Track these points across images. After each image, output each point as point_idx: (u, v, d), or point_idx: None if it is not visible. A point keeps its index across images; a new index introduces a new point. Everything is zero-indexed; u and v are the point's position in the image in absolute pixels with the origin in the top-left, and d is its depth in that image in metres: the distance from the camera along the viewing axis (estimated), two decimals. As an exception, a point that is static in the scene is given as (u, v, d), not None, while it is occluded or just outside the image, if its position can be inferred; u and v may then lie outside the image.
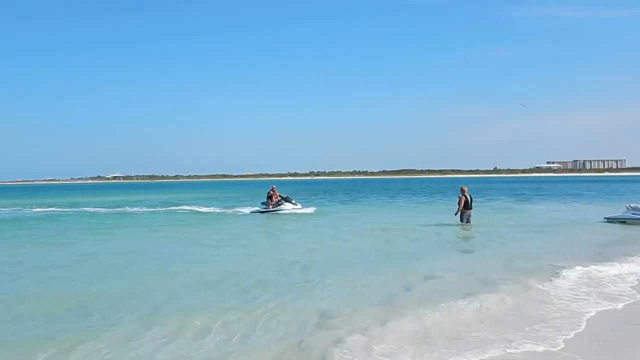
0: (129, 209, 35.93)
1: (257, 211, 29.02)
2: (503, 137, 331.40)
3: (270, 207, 28.27)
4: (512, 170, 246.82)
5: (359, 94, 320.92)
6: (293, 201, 28.64)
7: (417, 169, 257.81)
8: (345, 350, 5.81)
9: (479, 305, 7.65)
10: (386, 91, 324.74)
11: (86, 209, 37.51)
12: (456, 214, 19.49)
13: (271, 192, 28.92)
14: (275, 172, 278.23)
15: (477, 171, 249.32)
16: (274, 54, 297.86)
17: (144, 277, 10.87)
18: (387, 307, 7.73)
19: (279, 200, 28.36)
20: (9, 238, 19.20)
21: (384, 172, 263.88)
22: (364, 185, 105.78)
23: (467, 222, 19.27)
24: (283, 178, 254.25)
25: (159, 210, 34.13)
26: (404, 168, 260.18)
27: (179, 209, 34.44)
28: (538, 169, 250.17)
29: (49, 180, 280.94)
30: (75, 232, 21.16)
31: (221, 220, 26.12)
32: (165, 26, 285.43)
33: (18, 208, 40.56)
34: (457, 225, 19.27)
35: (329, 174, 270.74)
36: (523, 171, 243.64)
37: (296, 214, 27.17)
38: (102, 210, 35.93)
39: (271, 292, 9.00)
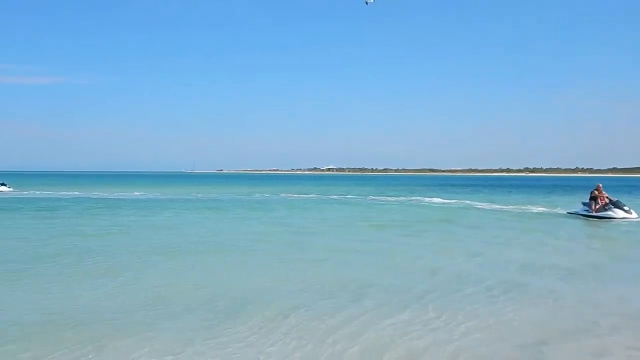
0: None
1: (576, 213, 25.52)
2: None
3: (594, 211, 23.99)
4: None
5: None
6: (625, 207, 23.62)
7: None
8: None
9: None
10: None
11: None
12: None
13: (596, 192, 24.37)
14: (484, 168, 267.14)
15: None
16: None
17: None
18: None
19: (606, 204, 23.87)
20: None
21: (614, 170, 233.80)
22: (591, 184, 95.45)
23: None
24: (494, 174, 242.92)
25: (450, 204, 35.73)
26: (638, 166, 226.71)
27: (479, 205, 34.61)
28: None
29: (274, 170, 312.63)
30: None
31: (547, 221, 24.08)
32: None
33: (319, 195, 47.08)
34: None
35: (547, 170, 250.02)
36: None
37: (629, 222, 22.47)
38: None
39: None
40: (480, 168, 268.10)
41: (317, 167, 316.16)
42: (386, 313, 7.98)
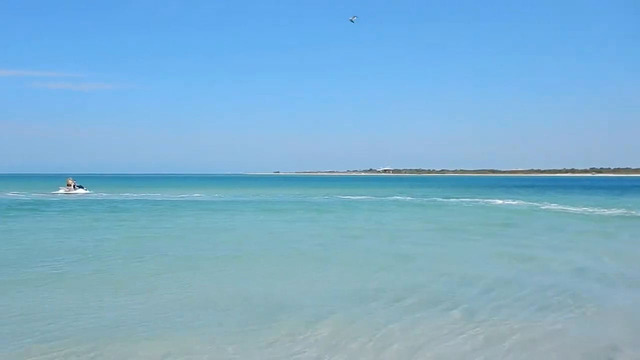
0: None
1: None
2: None
3: None
4: None
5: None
6: None
7: None
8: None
9: None
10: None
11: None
12: None
13: None
14: (548, 168, 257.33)
15: None
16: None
17: None
18: None
19: None
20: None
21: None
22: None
23: None
24: (558, 175, 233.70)
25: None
26: None
27: (543, 207, 32.85)
28: None
29: (329, 172, 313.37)
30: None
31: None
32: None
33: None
34: None
35: (615, 170, 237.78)
36: None
37: None
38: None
39: None
40: (543, 169, 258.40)
41: (373, 168, 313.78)
42: (433, 315, 8.00)
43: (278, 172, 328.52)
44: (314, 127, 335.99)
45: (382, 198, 45.01)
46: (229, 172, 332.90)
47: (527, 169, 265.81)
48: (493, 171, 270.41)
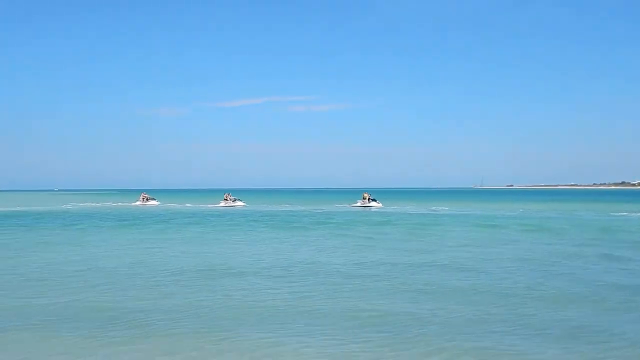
0: None
1: None
2: None
3: None
4: None
5: None
6: None
7: None
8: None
9: None
10: None
11: None
12: None
13: None
14: None
15: None
16: None
17: None
18: None
19: None
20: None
21: None
22: None
23: None
24: None
25: None
26: None
27: None
28: None
29: (571, 185, 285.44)
30: None
31: None
32: None
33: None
34: None
35: None
36: None
37: None
38: None
39: None
40: None
41: (626, 180, 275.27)
42: None
43: (511, 185, 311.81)
44: (550, 134, 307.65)
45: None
46: (456, 186, 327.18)
47: None
48: None
